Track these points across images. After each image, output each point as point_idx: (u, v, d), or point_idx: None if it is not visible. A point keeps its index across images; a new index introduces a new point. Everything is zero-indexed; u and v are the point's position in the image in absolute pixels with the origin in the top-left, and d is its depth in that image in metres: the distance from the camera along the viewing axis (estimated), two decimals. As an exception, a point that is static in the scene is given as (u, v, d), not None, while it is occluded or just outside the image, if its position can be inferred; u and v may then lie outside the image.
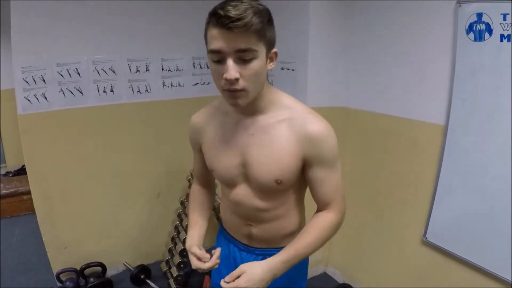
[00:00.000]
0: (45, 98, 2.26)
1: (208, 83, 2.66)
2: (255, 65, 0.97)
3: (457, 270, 1.84)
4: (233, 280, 1.01)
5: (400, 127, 2.05)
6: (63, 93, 2.29)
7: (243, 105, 1.03)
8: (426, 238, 1.95)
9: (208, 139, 1.19)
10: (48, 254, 2.52)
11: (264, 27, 0.96)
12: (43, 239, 2.47)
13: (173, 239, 2.63)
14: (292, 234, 1.22)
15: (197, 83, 2.65)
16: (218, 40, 0.94)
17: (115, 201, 2.59)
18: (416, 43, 1.90)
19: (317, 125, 1.07)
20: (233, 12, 0.90)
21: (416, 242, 2.02)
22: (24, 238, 3.18)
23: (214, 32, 0.94)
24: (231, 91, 0.99)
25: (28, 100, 2.23)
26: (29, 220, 3.40)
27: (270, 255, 1.09)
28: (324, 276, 2.69)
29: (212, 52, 0.97)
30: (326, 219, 1.12)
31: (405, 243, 2.10)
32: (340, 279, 2.58)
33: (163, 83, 2.53)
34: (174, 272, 2.46)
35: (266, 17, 0.97)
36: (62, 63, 2.23)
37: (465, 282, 1.80)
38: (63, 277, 2.51)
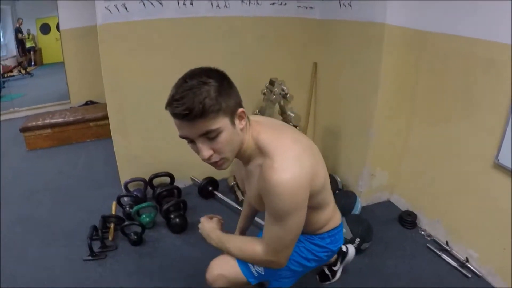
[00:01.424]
0: (125, 8, 2.33)
1: (285, 4, 2.64)
2: (223, 138, 1.06)
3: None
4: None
5: (475, 48, 1.94)
6: (143, 4, 2.35)
7: (226, 167, 1.15)
8: (498, 160, 1.87)
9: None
10: (118, 165, 2.65)
11: (216, 103, 1.01)
12: (114, 149, 2.59)
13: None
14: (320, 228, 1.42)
15: (274, 3, 2.63)
16: (181, 129, 1.05)
17: None
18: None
19: (274, 177, 1.08)
20: (179, 109, 0.99)
21: (487, 165, 1.94)
22: (90, 161, 3.34)
23: (176, 121, 1.05)
24: (212, 163, 1.12)
25: (109, 10, 2.31)
26: (94, 145, 3.59)
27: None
28: (388, 204, 2.67)
29: (181, 137, 1.08)
30: (254, 246, 1.27)
31: (475, 167, 2.02)
32: (404, 207, 2.54)
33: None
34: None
35: (215, 91, 1.01)
36: (145, -26, 2.28)
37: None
38: (131, 187, 2.64)
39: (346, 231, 2.09)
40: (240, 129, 1.11)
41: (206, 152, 1.06)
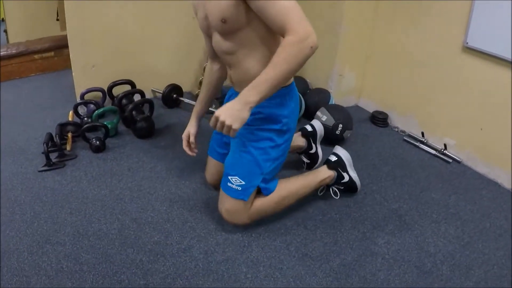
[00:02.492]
0: None
1: None
2: None
3: (499, 72, 1.75)
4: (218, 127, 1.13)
5: None
6: None
7: None
8: (467, 43, 1.87)
9: (195, 3, 1.37)
10: (73, 75, 2.36)
11: None
12: (71, 57, 2.32)
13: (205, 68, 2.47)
14: None
15: None
16: None
17: (149, 20, 2.40)
18: None
19: None
20: None
21: (457, 51, 1.94)
22: (36, 92, 2.98)
23: None
24: None
25: None
26: (40, 79, 3.21)
27: None
28: (356, 108, 2.60)
29: None
30: (284, 43, 1.11)
31: (445, 55, 2.01)
32: (373, 109, 2.48)
33: None
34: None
35: None
36: None
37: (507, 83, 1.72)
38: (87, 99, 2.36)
39: (328, 118, 2.03)
40: None
41: None
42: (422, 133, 2.15)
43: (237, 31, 1.23)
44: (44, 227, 1.49)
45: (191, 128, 1.61)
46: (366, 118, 2.44)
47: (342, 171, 1.61)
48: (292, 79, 1.40)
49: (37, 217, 1.56)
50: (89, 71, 2.33)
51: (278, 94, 1.26)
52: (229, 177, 1.37)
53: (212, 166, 1.67)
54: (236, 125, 1.11)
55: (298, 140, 1.80)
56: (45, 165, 1.89)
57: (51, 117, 2.46)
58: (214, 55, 1.51)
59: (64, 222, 1.53)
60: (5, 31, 4.09)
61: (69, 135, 2.05)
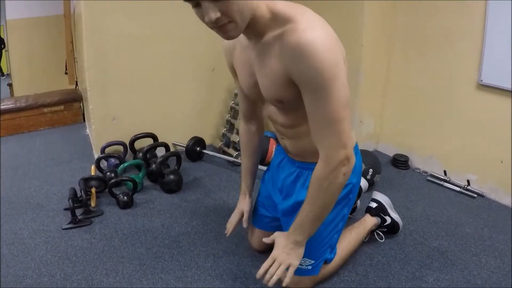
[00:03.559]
0: None
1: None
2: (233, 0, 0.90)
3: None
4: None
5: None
6: None
7: (236, 36, 0.97)
8: (482, 80, 1.96)
9: (236, 60, 1.22)
10: (93, 127, 2.35)
11: None
12: (90, 109, 2.31)
13: (228, 121, 2.51)
14: None
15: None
16: None
17: (169, 71, 2.44)
18: None
19: (303, 36, 0.92)
20: None
21: (471, 88, 2.03)
22: (49, 145, 2.94)
23: None
24: (219, 28, 0.94)
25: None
26: (50, 133, 3.18)
27: (305, 168, 1.26)
28: (376, 153, 2.62)
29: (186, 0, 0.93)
30: (315, 174, 1.07)
31: (460, 94, 2.09)
32: (393, 152, 2.53)
33: None
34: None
35: None
36: None
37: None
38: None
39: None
40: None
41: (213, 13, 0.89)
42: (445, 172, 2.20)
43: (298, 109, 1.07)
44: None
45: (244, 206, 1.46)
46: (387, 161, 2.48)
47: (384, 215, 1.62)
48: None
49: (69, 279, 1.47)
50: (110, 123, 2.33)
51: None
52: None
53: (263, 235, 1.53)
54: (296, 262, 1.13)
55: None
56: (70, 222, 1.82)
57: (68, 171, 2.42)
58: (251, 116, 1.42)
59: (100, 284, 1.45)
60: (10, 84, 4.10)
61: (93, 190, 2.01)
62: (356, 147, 1.29)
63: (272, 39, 1.01)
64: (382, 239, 1.65)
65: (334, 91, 0.95)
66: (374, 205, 1.65)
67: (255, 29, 1.01)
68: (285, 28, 0.96)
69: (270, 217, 1.51)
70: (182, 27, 2.36)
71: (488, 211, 1.91)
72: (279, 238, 1.19)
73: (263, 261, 1.30)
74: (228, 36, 0.97)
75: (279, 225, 1.45)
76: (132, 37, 2.26)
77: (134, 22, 2.24)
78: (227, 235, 1.48)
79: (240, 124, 1.48)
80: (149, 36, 2.29)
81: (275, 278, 1.12)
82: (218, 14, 0.90)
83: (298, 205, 1.20)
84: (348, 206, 1.32)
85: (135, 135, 2.28)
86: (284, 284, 1.13)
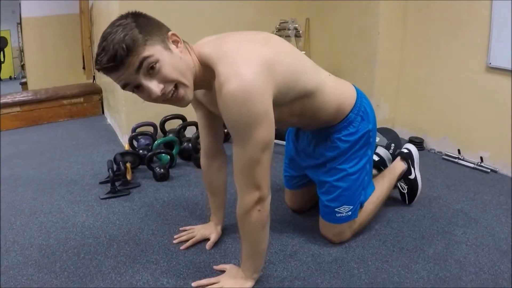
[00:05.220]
0: None
1: None
2: (164, 64, 0.95)
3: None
4: None
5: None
6: None
7: (190, 97, 1.02)
8: (490, 63, 2.10)
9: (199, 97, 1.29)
10: (124, 109, 2.42)
11: (138, 35, 0.92)
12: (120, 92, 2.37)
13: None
14: (334, 118, 1.34)
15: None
16: (119, 79, 0.96)
17: None
18: None
19: (223, 90, 0.96)
20: (105, 59, 0.91)
21: (481, 72, 2.17)
22: (71, 133, 2.99)
23: (112, 76, 0.97)
24: (171, 99, 0.99)
25: None
26: (71, 124, 3.23)
27: (320, 133, 1.37)
28: None
29: (124, 88, 0.99)
30: (237, 214, 1.14)
31: (470, 77, 2.23)
32: (408, 135, 2.65)
33: None
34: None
35: (133, 27, 0.93)
36: None
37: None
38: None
39: (380, 139, 2.14)
40: (179, 52, 1.00)
41: (156, 87, 0.94)
42: (459, 151, 2.32)
43: (286, 106, 1.18)
44: (126, 248, 1.46)
45: (212, 234, 1.47)
46: (404, 143, 2.60)
47: (412, 166, 1.71)
48: (352, 103, 1.35)
49: (115, 239, 1.53)
50: (140, 106, 2.40)
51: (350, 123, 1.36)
52: (336, 210, 1.37)
53: (294, 195, 1.67)
54: None
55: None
56: (109, 192, 1.88)
57: (97, 153, 2.48)
58: (215, 151, 1.40)
59: (149, 242, 1.50)
60: (24, 83, 4.15)
61: (128, 165, 2.08)
62: (360, 93, 1.39)
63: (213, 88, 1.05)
64: (404, 190, 1.74)
65: (251, 138, 0.99)
66: (405, 151, 1.74)
67: (203, 83, 1.08)
68: (214, 78, 1.01)
69: (297, 176, 1.60)
70: (208, 25, 2.46)
71: (502, 183, 2.02)
72: (231, 269, 1.26)
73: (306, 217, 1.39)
74: (184, 102, 1.02)
75: (308, 181, 1.55)
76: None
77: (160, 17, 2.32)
78: (181, 248, 1.44)
79: (201, 162, 1.44)
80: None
81: None
82: (161, 85, 0.95)
83: (323, 163, 1.38)
84: (371, 148, 1.42)
85: (165, 116, 2.35)
86: None
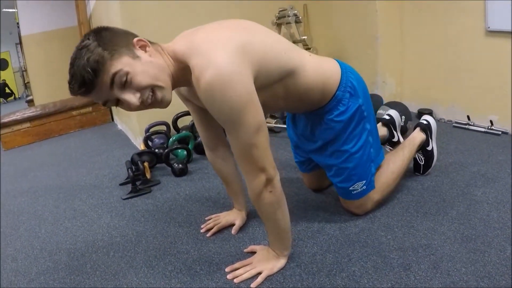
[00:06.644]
0: None
1: None
2: (136, 73, 0.96)
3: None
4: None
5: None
6: None
7: (169, 98, 1.04)
8: (489, 27, 2.12)
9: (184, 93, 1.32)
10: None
11: (102, 53, 0.94)
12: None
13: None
14: (321, 98, 1.31)
15: None
16: (96, 98, 1.00)
17: None
18: None
19: (201, 82, 0.96)
20: (76, 86, 0.94)
21: (480, 36, 2.19)
22: (83, 143, 3.04)
23: (89, 97, 0.99)
24: (151, 103, 1.02)
25: None
26: (82, 134, 3.28)
27: (315, 115, 1.35)
28: None
29: (105, 105, 1.03)
30: (254, 194, 1.12)
31: (470, 42, 2.25)
32: (416, 109, 2.67)
33: None
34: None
35: (96, 46, 0.94)
36: None
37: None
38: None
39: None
40: (149, 56, 1.01)
41: (134, 97, 0.97)
42: (468, 117, 2.35)
43: (270, 88, 1.15)
44: (155, 242, 1.48)
45: (237, 219, 1.49)
46: (413, 117, 2.62)
47: (430, 137, 1.72)
48: (337, 80, 1.32)
49: (143, 235, 1.55)
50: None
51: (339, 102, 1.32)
52: (350, 188, 1.39)
53: (309, 178, 1.69)
54: (266, 271, 1.19)
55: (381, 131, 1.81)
56: (130, 192, 1.91)
57: (112, 158, 2.52)
58: (216, 142, 1.41)
59: (177, 234, 1.53)
60: (30, 100, 4.20)
61: (146, 164, 2.11)
62: (345, 67, 1.35)
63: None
64: (421, 161, 1.76)
65: (241, 124, 0.99)
66: (425, 122, 1.74)
67: (184, 81, 1.09)
68: (191, 73, 1.01)
69: (305, 161, 1.63)
70: (208, 16, 2.46)
71: (514, 144, 2.04)
72: (262, 250, 1.28)
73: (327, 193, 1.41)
74: (164, 103, 1.03)
75: (318, 164, 1.55)
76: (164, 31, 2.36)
77: (165, 23, 2.34)
78: (208, 235, 1.47)
79: (206, 154, 1.45)
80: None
81: (238, 279, 1.19)
82: (138, 94, 0.97)
83: (323, 146, 1.38)
84: (368, 121, 1.38)
85: (176, 114, 2.39)
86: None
